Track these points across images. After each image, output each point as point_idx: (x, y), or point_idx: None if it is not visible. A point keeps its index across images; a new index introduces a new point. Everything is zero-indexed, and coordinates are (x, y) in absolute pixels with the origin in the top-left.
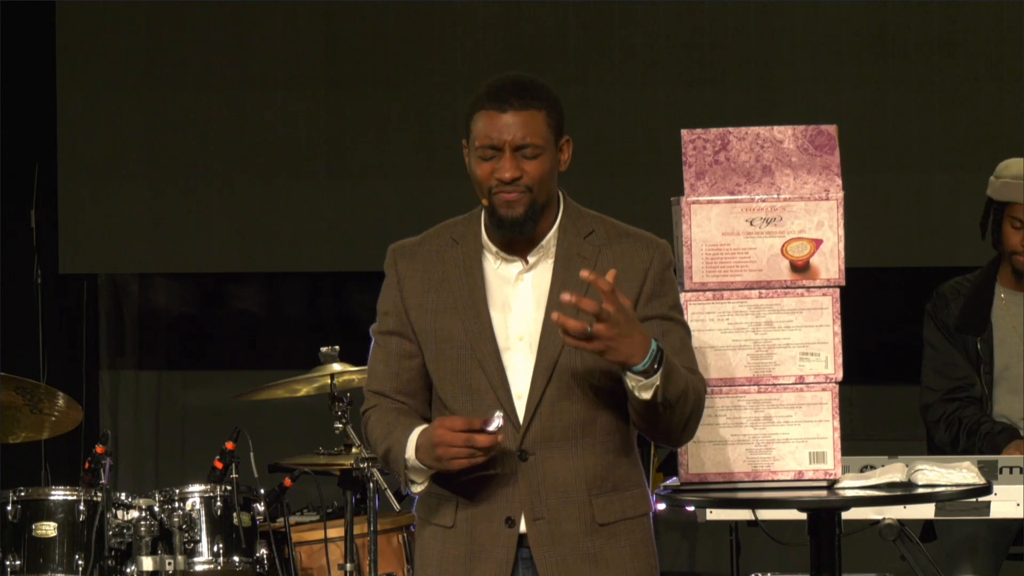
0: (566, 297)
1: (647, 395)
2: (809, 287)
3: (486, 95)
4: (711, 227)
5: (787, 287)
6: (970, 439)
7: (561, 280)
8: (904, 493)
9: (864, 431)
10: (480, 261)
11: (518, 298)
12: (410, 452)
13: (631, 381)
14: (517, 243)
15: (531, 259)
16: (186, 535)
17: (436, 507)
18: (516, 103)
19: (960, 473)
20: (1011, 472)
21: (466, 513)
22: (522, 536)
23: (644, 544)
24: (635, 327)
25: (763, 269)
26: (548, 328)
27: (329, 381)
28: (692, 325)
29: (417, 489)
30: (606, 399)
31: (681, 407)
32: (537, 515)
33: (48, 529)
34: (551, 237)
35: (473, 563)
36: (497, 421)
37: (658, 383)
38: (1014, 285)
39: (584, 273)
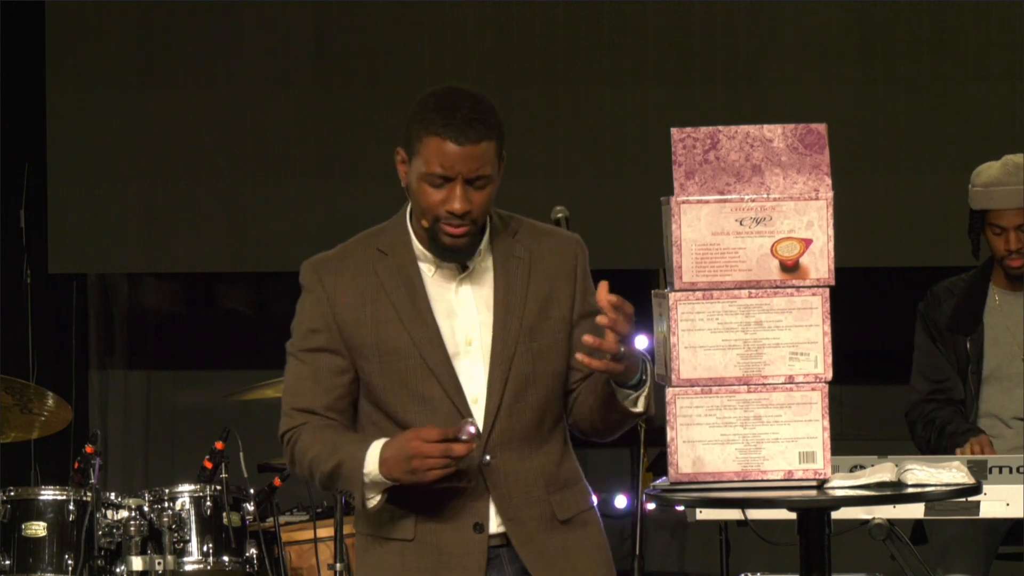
0: (588, 339)
1: (639, 408)
2: (799, 287)
3: (440, 119)
4: (701, 227)
5: (777, 287)
6: (939, 439)
7: (504, 281)
8: (894, 493)
9: (854, 431)
10: (416, 270)
11: (461, 303)
12: (370, 467)
13: (621, 395)
14: None
15: (470, 264)
16: (176, 535)
17: (389, 521)
18: (472, 135)
19: (950, 473)
20: (1001, 472)
21: (428, 524)
22: (489, 540)
23: (599, 534)
24: (631, 349)
25: (753, 269)
26: (499, 333)
27: None
28: (682, 325)
29: (373, 504)
30: (552, 398)
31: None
32: (508, 516)
33: (38, 529)
34: (485, 241)
35: (441, 574)
36: (470, 429)
37: (646, 393)
38: (1008, 286)
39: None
